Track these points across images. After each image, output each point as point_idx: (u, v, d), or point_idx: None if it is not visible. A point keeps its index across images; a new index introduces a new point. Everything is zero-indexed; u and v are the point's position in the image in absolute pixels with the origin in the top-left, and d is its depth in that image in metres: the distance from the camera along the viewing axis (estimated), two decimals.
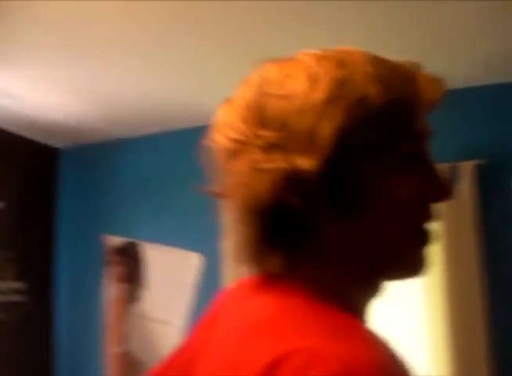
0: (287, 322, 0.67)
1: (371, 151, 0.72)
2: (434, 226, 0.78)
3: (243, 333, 0.70)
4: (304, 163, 0.69)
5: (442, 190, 0.76)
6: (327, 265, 0.74)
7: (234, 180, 0.74)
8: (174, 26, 2.71)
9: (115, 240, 3.90)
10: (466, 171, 3.35)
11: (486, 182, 3.41)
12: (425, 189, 0.75)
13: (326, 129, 0.69)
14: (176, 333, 3.57)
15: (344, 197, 0.71)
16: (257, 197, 0.71)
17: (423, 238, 0.77)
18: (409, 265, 0.78)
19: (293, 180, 0.69)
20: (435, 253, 3.34)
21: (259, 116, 0.73)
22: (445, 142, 3.38)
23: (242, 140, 0.73)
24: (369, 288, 0.78)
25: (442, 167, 3.33)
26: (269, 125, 0.72)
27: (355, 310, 0.75)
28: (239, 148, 0.73)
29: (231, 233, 0.76)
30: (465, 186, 3.35)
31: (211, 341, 0.78)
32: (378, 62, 0.75)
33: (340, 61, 0.73)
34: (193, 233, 3.67)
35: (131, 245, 3.84)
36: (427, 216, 0.77)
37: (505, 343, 3.32)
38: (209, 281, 3.66)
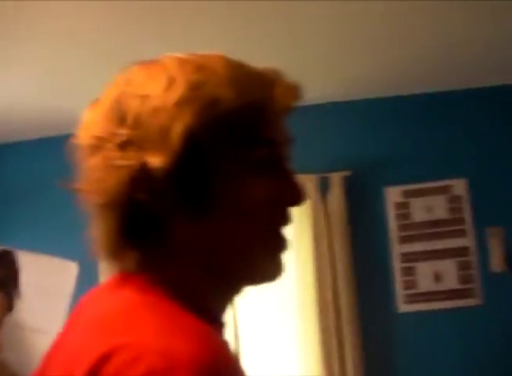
0: (126, 318, 0.69)
1: (222, 152, 0.74)
2: (288, 231, 0.80)
3: (87, 329, 0.73)
4: (155, 160, 0.71)
5: (296, 196, 0.78)
6: (179, 265, 0.75)
7: (91, 176, 0.76)
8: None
9: None
10: (336, 181, 3.52)
11: (354, 191, 3.60)
12: (279, 194, 0.76)
13: (177, 129, 0.71)
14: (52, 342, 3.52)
15: (195, 196, 0.73)
16: (111, 192, 0.73)
17: (277, 241, 0.78)
18: (262, 267, 0.79)
19: (143, 177, 0.71)
20: (306, 260, 3.47)
21: (119, 115, 0.75)
22: (316, 154, 3.55)
23: (101, 137, 0.75)
24: (223, 290, 0.79)
25: (313, 178, 3.48)
26: (127, 124, 0.74)
27: (206, 310, 0.75)
28: (98, 145, 0.75)
29: (91, 229, 0.77)
30: (335, 196, 3.52)
31: (66, 340, 0.80)
32: (237, 67, 0.78)
33: (200, 65, 0.76)
34: (70, 241, 3.62)
35: (5, 253, 3.76)
36: (281, 220, 0.78)
37: (372, 344, 3.49)
38: (86, 289, 3.63)
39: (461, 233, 3.57)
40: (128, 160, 0.72)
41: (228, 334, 0.80)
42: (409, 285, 3.57)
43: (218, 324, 0.77)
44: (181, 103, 0.73)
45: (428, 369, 3.50)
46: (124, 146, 0.73)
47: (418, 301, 3.57)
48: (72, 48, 2.87)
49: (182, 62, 0.78)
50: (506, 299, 3.51)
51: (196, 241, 0.75)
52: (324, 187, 3.55)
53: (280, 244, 0.78)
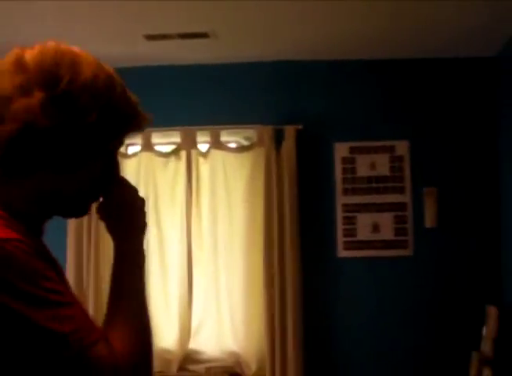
0: None
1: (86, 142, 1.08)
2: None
3: None
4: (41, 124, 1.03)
5: (112, 176, 1.18)
6: (20, 194, 1.10)
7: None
8: None
9: None
10: (290, 133, 3.79)
11: (306, 144, 3.87)
12: (103, 172, 1.15)
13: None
14: None
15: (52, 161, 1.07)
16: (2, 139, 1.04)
17: (85, 198, 1.17)
18: (73, 210, 1.19)
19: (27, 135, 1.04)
20: (257, 203, 3.78)
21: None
22: (272, 109, 3.84)
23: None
24: (44, 214, 1.16)
25: (269, 128, 3.78)
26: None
27: (30, 223, 1.11)
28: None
29: None
30: (288, 146, 3.80)
31: None
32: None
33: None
34: None
35: None
36: (100, 186, 1.17)
37: (313, 284, 3.84)
38: None
39: (400, 190, 3.85)
40: (13, 124, 1.04)
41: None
42: (349, 233, 3.86)
43: (35, 232, 1.13)
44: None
45: (357, 305, 3.85)
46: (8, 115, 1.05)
47: (356, 248, 3.87)
48: None
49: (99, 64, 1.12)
50: (435, 252, 3.82)
51: (45, 185, 1.10)
52: (279, 138, 3.80)
53: (93, 197, 1.18)
